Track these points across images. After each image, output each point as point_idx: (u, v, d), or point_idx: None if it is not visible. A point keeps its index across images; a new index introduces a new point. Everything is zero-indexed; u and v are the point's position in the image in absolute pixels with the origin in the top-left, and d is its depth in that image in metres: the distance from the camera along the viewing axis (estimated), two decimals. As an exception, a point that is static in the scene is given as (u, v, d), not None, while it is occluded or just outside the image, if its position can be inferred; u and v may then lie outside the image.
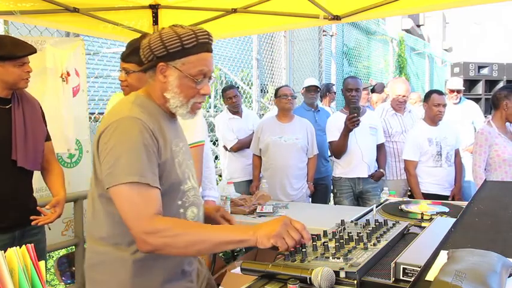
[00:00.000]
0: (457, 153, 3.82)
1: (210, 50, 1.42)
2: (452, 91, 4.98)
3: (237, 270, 1.36)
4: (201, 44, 1.38)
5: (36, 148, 2.29)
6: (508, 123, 3.55)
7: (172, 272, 1.47)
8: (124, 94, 2.35)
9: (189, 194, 1.48)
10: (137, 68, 2.27)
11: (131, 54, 2.26)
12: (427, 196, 3.52)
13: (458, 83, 5.14)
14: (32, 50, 2.23)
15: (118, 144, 1.32)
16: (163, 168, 1.38)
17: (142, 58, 1.45)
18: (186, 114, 1.45)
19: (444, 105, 3.72)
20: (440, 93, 3.79)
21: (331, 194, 4.21)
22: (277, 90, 3.99)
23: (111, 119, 1.37)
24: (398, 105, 4.22)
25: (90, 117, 4.01)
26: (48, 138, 2.46)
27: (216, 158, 5.63)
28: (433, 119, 3.74)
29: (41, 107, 2.42)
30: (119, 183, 1.29)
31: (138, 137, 1.32)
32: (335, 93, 6.34)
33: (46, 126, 2.43)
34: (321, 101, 5.58)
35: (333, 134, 3.79)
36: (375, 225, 1.53)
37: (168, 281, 1.45)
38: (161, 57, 1.38)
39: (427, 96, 3.80)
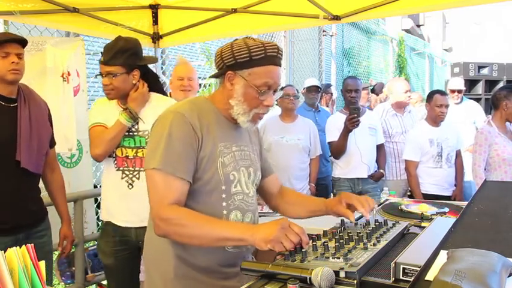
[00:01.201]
0: (458, 154, 3.82)
1: (277, 64, 1.47)
2: (453, 91, 4.98)
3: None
4: (269, 57, 1.44)
5: (40, 150, 2.25)
6: (508, 123, 3.55)
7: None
8: (109, 98, 2.33)
9: (236, 198, 1.52)
10: (122, 70, 2.26)
11: (115, 57, 2.24)
12: (427, 196, 3.51)
13: (459, 83, 5.14)
14: (14, 38, 2.13)
15: (157, 134, 1.45)
16: (201, 163, 1.46)
17: (215, 65, 1.52)
18: (247, 123, 1.51)
19: (447, 106, 3.71)
20: (443, 93, 3.78)
21: (331, 194, 4.21)
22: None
23: (163, 113, 1.51)
24: (404, 105, 4.22)
25: (90, 118, 3.99)
26: (53, 143, 2.42)
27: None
28: (435, 119, 3.73)
29: (48, 109, 2.38)
30: (148, 168, 1.43)
31: (176, 130, 1.43)
32: (332, 94, 6.34)
33: (52, 128, 2.39)
34: (319, 102, 5.58)
35: (333, 134, 3.78)
36: (375, 225, 1.53)
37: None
38: (230, 66, 1.46)
39: (430, 97, 3.78)
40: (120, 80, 2.26)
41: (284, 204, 1.77)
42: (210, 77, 1.63)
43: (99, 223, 3.30)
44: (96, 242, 2.93)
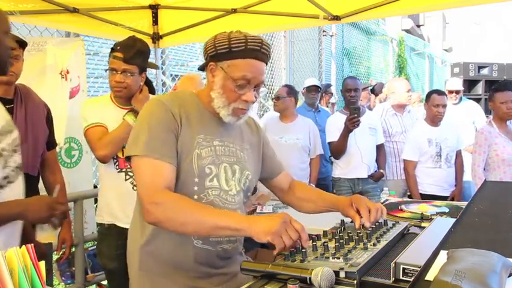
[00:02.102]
0: (458, 154, 3.82)
1: (259, 58, 1.44)
2: (451, 92, 4.98)
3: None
4: (249, 50, 1.41)
5: (35, 151, 2.21)
6: (508, 123, 3.56)
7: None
8: (118, 96, 2.33)
9: (210, 192, 1.47)
10: (137, 71, 2.29)
11: (135, 56, 2.27)
12: (426, 197, 3.51)
13: (457, 84, 5.14)
14: (12, 38, 2.03)
15: (140, 121, 1.46)
16: (178, 152, 1.44)
17: (204, 57, 1.50)
18: (228, 117, 1.48)
19: (444, 106, 3.71)
20: (440, 93, 3.78)
21: (331, 195, 4.20)
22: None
23: (146, 103, 1.54)
24: (405, 105, 4.23)
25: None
26: (53, 145, 2.39)
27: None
28: (433, 119, 3.73)
29: (47, 110, 2.35)
30: (134, 155, 1.41)
31: (156, 116, 1.43)
32: (332, 94, 6.34)
33: (52, 130, 2.36)
34: (319, 102, 5.58)
35: (333, 134, 3.78)
36: (375, 225, 1.53)
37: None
38: (212, 56, 1.45)
39: (428, 97, 3.80)
40: (134, 80, 2.29)
41: (296, 200, 1.75)
42: (198, 69, 1.61)
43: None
44: (96, 242, 2.93)
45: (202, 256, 1.48)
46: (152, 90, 2.47)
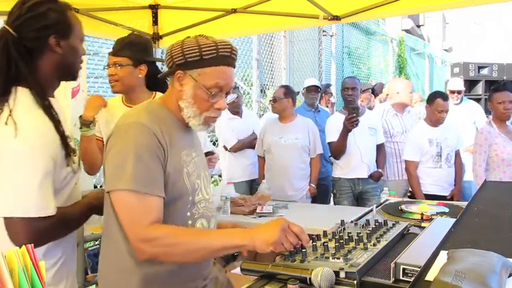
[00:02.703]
0: (457, 154, 3.82)
1: (231, 65, 1.38)
2: (452, 92, 4.98)
3: (237, 270, 1.35)
4: (221, 57, 1.35)
5: None
6: (508, 123, 3.56)
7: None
8: (113, 91, 2.33)
9: (199, 206, 1.45)
10: (128, 62, 2.27)
11: (123, 48, 2.27)
12: (426, 196, 3.51)
13: (458, 84, 5.14)
14: None
15: (121, 150, 1.32)
16: (168, 177, 1.35)
17: (166, 64, 1.42)
18: (198, 126, 1.42)
19: (447, 111, 3.71)
20: (444, 98, 3.74)
21: (332, 195, 4.21)
22: None
23: (120, 123, 1.38)
24: (407, 105, 4.23)
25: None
26: None
27: (216, 158, 5.62)
28: (435, 123, 3.75)
29: None
30: (118, 189, 1.30)
31: (142, 144, 1.31)
32: (331, 94, 6.34)
33: None
34: (319, 102, 5.58)
35: (332, 134, 3.78)
36: (375, 225, 1.53)
37: None
38: (179, 65, 1.37)
39: (431, 100, 3.76)
40: (125, 71, 2.27)
41: None
42: (160, 76, 1.56)
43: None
44: (96, 242, 2.93)
45: (198, 271, 1.47)
46: (163, 86, 2.41)
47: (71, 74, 1.52)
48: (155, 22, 3.86)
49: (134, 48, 2.28)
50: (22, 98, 1.36)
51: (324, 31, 8.85)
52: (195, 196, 1.43)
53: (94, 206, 1.52)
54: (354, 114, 3.51)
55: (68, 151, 1.41)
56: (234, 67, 1.41)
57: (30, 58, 1.39)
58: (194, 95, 1.37)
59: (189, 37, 1.40)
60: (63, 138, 1.40)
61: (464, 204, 1.73)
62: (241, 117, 4.46)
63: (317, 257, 1.27)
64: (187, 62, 1.35)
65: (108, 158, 1.35)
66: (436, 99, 3.72)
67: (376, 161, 3.90)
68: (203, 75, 1.35)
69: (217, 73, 1.36)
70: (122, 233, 1.35)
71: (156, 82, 2.34)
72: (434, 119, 3.72)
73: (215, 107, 1.39)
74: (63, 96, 3.14)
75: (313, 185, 3.91)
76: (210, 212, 1.50)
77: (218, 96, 1.38)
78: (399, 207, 1.96)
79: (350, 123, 3.52)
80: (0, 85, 1.37)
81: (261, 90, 6.83)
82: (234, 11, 3.60)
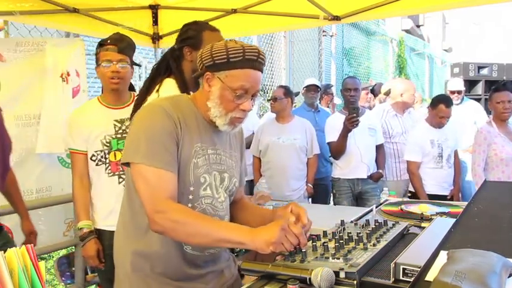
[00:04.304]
0: (455, 154, 3.83)
1: (257, 68, 1.43)
2: (453, 92, 4.98)
3: (237, 270, 1.37)
4: (247, 60, 1.41)
5: (4, 167, 2.07)
6: (508, 123, 3.57)
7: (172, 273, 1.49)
8: (115, 88, 2.28)
9: (203, 201, 1.49)
10: (129, 62, 2.28)
11: (127, 47, 2.27)
12: (427, 196, 3.52)
13: (458, 84, 5.14)
14: None
15: (140, 127, 1.43)
16: (179, 161, 1.43)
17: (198, 65, 1.49)
18: (224, 126, 1.47)
19: (449, 118, 3.72)
20: (447, 105, 3.70)
21: (331, 195, 4.20)
22: None
23: (145, 105, 1.53)
24: (409, 106, 4.23)
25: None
26: (10, 149, 2.16)
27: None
28: (436, 126, 3.76)
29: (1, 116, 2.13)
30: (133, 162, 1.40)
31: (159, 122, 1.41)
32: (333, 94, 6.33)
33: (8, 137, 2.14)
34: (320, 103, 5.58)
35: (332, 134, 3.78)
36: (375, 225, 1.53)
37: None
38: (208, 66, 1.43)
39: (435, 104, 3.74)
40: (129, 72, 2.29)
41: (233, 210, 1.71)
42: (193, 77, 1.61)
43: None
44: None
45: (191, 260, 1.50)
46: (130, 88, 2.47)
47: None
48: (155, 22, 3.86)
49: (132, 51, 2.30)
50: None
51: (324, 31, 8.85)
52: (199, 190, 1.47)
53: None
54: (354, 115, 3.50)
55: None
56: (261, 71, 1.46)
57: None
58: (221, 95, 1.43)
59: (220, 41, 1.46)
60: None
61: (464, 204, 1.73)
62: (241, 117, 4.45)
63: (317, 257, 1.27)
64: (215, 64, 1.42)
65: (129, 133, 1.48)
66: (439, 104, 3.70)
67: (376, 161, 3.90)
68: (230, 77, 1.41)
69: (243, 75, 1.41)
70: (132, 204, 1.49)
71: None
72: (436, 123, 3.75)
73: (240, 108, 1.45)
74: (63, 99, 3.15)
75: (310, 185, 3.91)
76: (214, 211, 1.52)
77: (244, 98, 1.44)
78: (399, 208, 1.96)
79: (350, 123, 3.52)
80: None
81: (261, 90, 6.82)
82: (234, 11, 3.61)
